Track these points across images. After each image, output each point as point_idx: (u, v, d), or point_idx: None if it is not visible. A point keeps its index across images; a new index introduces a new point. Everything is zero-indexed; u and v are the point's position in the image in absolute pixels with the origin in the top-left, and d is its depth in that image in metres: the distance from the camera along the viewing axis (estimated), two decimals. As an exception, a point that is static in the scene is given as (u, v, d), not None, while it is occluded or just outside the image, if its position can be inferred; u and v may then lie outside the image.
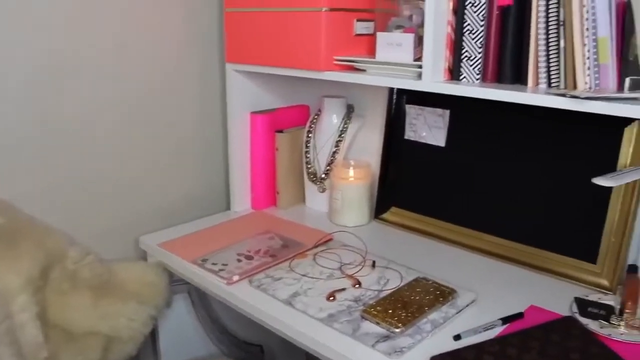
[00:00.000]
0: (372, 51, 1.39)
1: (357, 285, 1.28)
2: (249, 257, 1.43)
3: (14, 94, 1.38)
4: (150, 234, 1.61)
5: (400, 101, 1.63)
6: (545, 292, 1.29)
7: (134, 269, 1.51)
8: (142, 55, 1.59)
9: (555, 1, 1.12)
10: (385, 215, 1.68)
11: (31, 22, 1.37)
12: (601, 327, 1.13)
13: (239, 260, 1.41)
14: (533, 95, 1.08)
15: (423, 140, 1.59)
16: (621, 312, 1.17)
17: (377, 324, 1.13)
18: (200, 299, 1.69)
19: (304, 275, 1.33)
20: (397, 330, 1.10)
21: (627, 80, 1.08)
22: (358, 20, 1.42)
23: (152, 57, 1.61)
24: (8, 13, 1.33)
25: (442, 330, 1.13)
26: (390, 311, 1.15)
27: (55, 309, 1.33)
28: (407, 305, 1.18)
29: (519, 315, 1.18)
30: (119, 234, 1.63)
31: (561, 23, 1.12)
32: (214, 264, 1.40)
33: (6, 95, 1.36)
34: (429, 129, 1.57)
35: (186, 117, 1.73)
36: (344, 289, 1.26)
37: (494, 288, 1.30)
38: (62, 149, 1.48)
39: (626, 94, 1.04)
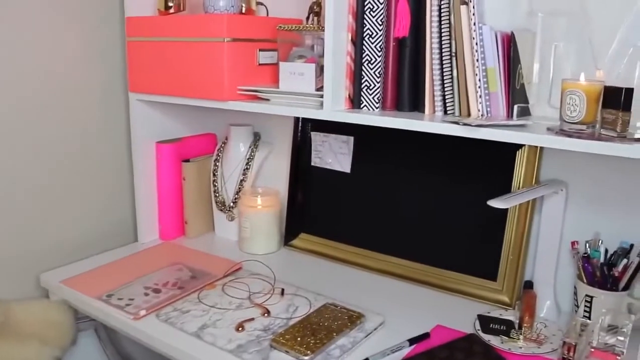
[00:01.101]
0: (276, 80, 1.41)
1: (266, 314, 1.28)
2: (157, 291, 1.40)
3: None
4: (53, 271, 1.54)
5: (305, 128, 1.66)
6: (451, 311, 1.33)
7: (35, 309, 1.44)
8: (43, 85, 1.53)
9: (447, 34, 1.18)
10: (294, 242, 1.69)
11: None
12: (502, 342, 1.18)
13: (146, 294, 1.38)
14: (429, 123, 1.12)
15: (329, 167, 1.62)
16: (520, 326, 1.23)
17: (287, 352, 1.13)
18: (109, 335, 1.63)
19: (212, 307, 1.32)
20: (306, 357, 1.10)
21: (516, 108, 1.15)
22: (261, 50, 1.44)
23: (53, 87, 1.56)
24: None
25: (350, 355, 1.14)
26: (299, 339, 1.16)
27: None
28: (315, 332, 1.19)
29: (425, 336, 1.21)
30: (18, 272, 1.55)
31: (453, 54, 1.17)
32: (119, 299, 1.36)
33: None
34: (334, 155, 1.60)
35: (90, 147, 1.68)
36: (253, 319, 1.26)
37: (401, 310, 1.33)
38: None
39: (514, 120, 1.10)
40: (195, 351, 1.16)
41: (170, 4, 1.54)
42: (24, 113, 1.51)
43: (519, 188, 1.32)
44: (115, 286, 1.42)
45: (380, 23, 1.22)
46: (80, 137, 1.65)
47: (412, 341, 1.19)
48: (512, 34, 1.14)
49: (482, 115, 1.16)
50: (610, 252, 1.23)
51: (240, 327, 1.22)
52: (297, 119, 1.66)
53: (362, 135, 1.56)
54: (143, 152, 1.69)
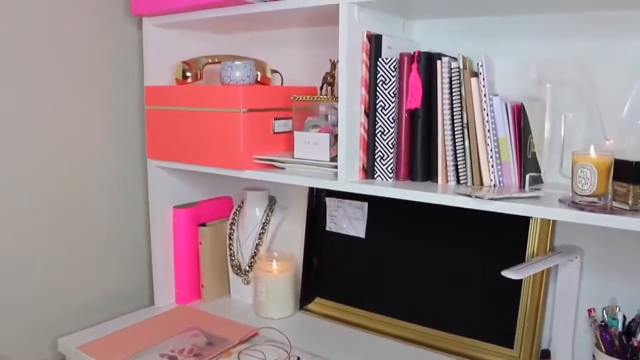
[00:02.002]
0: (290, 146, 1.44)
1: (282, 385, 1.28)
2: (173, 358, 1.40)
3: None
4: (69, 336, 1.55)
5: (320, 193, 1.68)
6: (467, 379, 1.32)
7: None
8: (63, 151, 1.58)
9: (458, 105, 1.20)
10: (310, 306, 1.69)
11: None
12: (520, 414, 1.16)
13: (162, 362, 1.38)
14: (441, 195, 1.14)
15: (344, 232, 1.63)
16: (538, 398, 1.21)
17: None
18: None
19: (228, 376, 1.32)
20: None
21: (528, 177, 1.16)
22: (276, 118, 1.47)
23: (74, 154, 1.61)
24: None
25: None
26: (315, 412, 1.15)
27: None
28: (332, 404, 1.18)
29: (442, 407, 1.20)
30: (36, 336, 1.57)
31: (465, 125, 1.20)
32: (136, 367, 1.36)
33: None
34: (349, 220, 1.62)
35: (109, 212, 1.71)
36: (269, 390, 1.26)
37: (418, 378, 1.33)
38: (-26, 253, 1.43)
39: (527, 192, 1.11)
40: (210, 423, 1.16)
41: (188, 74, 1.59)
42: (43, 180, 1.55)
43: (533, 255, 1.32)
44: (132, 353, 1.43)
45: (393, 95, 1.25)
46: (98, 201, 1.68)
47: (429, 412, 1.18)
48: (522, 105, 1.17)
49: (494, 185, 1.17)
50: (629, 319, 1.22)
51: (256, 398, 1.22)
52: (311, 184, 1.69)
53: (377, 202, 1.57)
54: (160, 216, 1.72)
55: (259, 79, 1.57)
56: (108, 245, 1.73)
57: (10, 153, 1.47)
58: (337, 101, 1.26)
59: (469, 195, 1.09)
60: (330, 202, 1.66)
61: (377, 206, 1.57)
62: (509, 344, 1.37)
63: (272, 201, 1.76)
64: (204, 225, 1.75)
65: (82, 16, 1.59)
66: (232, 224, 1.77)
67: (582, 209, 1.00)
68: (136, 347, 1.46)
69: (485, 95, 1.16)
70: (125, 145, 1.74)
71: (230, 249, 1.76)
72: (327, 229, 1.67)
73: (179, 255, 1.75)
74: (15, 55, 1.46)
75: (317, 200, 1.68)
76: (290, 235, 1.78)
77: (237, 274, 1.75)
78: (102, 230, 1.71)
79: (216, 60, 1.63)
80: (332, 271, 1.67)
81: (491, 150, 1.17)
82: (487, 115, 1.16)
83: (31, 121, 1.51)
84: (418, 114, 1.24)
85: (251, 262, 1.71)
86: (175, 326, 1.59)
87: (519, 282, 1.35)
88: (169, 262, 1.76)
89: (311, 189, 1.69)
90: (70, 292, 1.65)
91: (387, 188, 1.21)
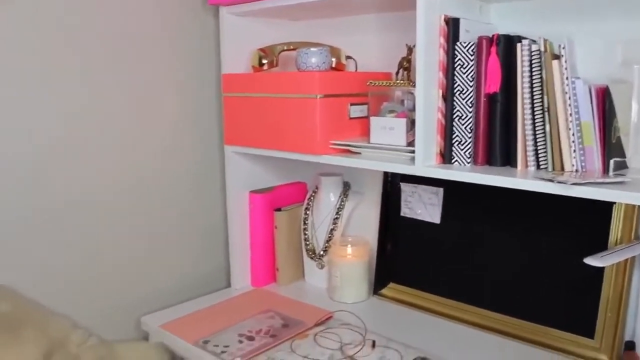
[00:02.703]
0: (366, 132, 1.44)
1: (358, 367, 1.29)
2: (250, 338, 1.44)
3: (15, 178, 1.42)
4: (152, 314, 1.62)
5: (395, 179, 1.68)
6: (545, 368, 1.30)
7: (137, 350, 1.50)
8: (144, 138, 1.65)
9: (539, 89, 1.17)
10: (383, 291, 1.70)
11: (38, 109, 1.43)
12: (602, 404, 1.14)
13: (240, 342, 1.42)
14: (522, 180, 1.12)
15: (419, 217, 1.63)
16: (621, 388, 1.18)
17: (379, 407, 1.13)
18: (202, 379, 1.68)
19: (305, 357, 1.34)
20: (399, 414, 1.11)
21: (612, 162, 1.13)
22: (352, 104, 1.48)
23: (153, 140, 1.67)
24: (18, 96, 1.39)
25: (443, 412, 1.14)
26: (391, 394, 1.16)
27: (59, 396, 1.33)
28: (408, 387, 1.19)
29: (520, 394, 1.19)
30: (121, 315, 1.65)
31: (546, 109, 1.17)
32: (215, 345, 1.40)
33: (7, 179, 1.41)
34: (424, 206, 1.61)
35: (187, 197, 1.77)
36: (345, 371, 1.28)
37: (494, 365, 1.31)
38: (62, 232, 1.51)
39: (611, 177, 1.08)
40: (288, 402, 1.18)
41: (264, 61, 1.62)
42: (125, 166, 1.61)
43: (616, 243, 1.28)
44: (211, 332, 1.47)
45: (471, 79, 1.23)
46: (178, 187, 1.74)
47: (506, 399, 1.17)
48: (607, 88, 1.13)
49: (576, 170, 1.14)
50: None
51: (332, 379, 1.24)
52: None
53: (453, 187, 1.56)
54: (237, 201, 1.76)
55: (333, 65, 1.58)
56: (187, 229, 1.79)
57: (96, 142, 1.55)
58: (414, 86, 1.26)
59: (551, 180, 1.07)
60: (405, 187, 1.65)
61: (453, 192, 1.56)
62: (590, 334, 1.33)
63: (346, 186, 1.77)
64: (279, 210, 1.79)
65: (161, 6, 1.65)
66: (306, 209, 1.79)
67: (671, 195, 0.96)
68: (215, 326, 1.51)
69: (567, 78, 1.13)
70: (203, 132, 1.79)
71: (305, 234, 1.78)
72: (401, 214, 1.67)
73: (255, 239, 1.79)
74: (96, 47, 1.53)
75: (391, 185, 1.68)
76: (364, 220, 1.79)
77: (311, 258, 1.77)
78: (182, 216, 1.77)
79: (292, 47, 1.65)
80: (406, 257, 1.67)
81: (573, 134, 1.14)
82: (569, 98, 1.13)
83: (112, 111, 1.57)
84: (497, 98, 1.22)
85: (325, 247, 1.73)
86: (251, 308, 1.63)
87: (601, 270, 1.31)
88: (245, 246, 1.80)
89: (385, 175, 1.69)
90: (152, 274, 1.72)
91: (465, 173, 1.20)
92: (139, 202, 1.66)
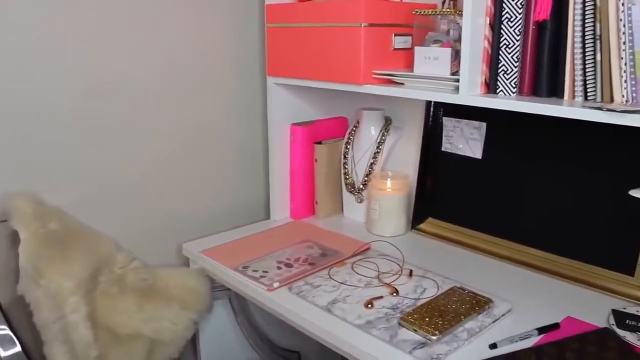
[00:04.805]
0: (409, 65, 1.43)
1: (394, 294, 1.31)
2: (289, 265, 1.46)
3: (64, 109, 1.45)
4: (193, 241, 1.66)
5: (437, 114, 1.66)
6: (582, 303, 1.29)
7: (177, 275, 1.55)
8: (187, 69, 1.66)
9: (591, 16, 1.13)
10: (422, 226, 1.70)
11: (83, 43, 1.45)
12: (639, 340, 1.13)
13: (279, 268, 1.45)
14: (569, 108, 1.09)
15: (460, 152, 1.61)
16: (659, 325, 1.17)
17: (415, 331, 1.15)
18: (241, 306, 1.73)
19: (342, 283, 1.36)
20: (434, 337, 1.12)
21: (665, 93, 1.09)
22: (396, 34, 1.46)
23: (196, 71, 1.68)
24: (69, 29, 1.41)
25: (478, 338, 1.15)
26: (427, 319, 1.18)
27: (104, 311, 1.39)
28: (443, 314, 1.20)
29: (555, 326, 1.19)
30: (163, 241, 1.69)
31: (597, 37, 1.13)
32: (254, 270, 1.44)
33: (57, 110, 1.44)
34: (465, 141, 1.59)
35: (229, 129, 1.79)
36: (381, 297, 1.29)
37: (530, 299, 1.31)
38: (109, 158, 1.55)
39: (663, 107, 1.05)
40: (325, 324, 1.21)
41: (309, -9, 1.60)
42: (170, 95, 1.64)
43: (664, 179, 1.25)
44: (250, 259, 1.51)
45: (520, 6, 1.20)
46: (220, 119, 1.76)
47: (540, 330, 1.17)
48: (665, 15, 1.09)
49: (626, 101, 1.11)
50: None
51: (369, 304, 1.26)
52: (428, 104, 1.67)
53: (496, 122, 1.54)
54: (278, 133, 1.76)
55: (379, -5, 1.55)
56: (228, 160, 1.81)
57: (145, 76, 1.56)
58: (461, 15, 1.23)
59: (600, 109, 1.04)
60: (447, 122, 1.64)
61: (496, 127, 1.54)
62: (630, 271, 1.32)
63: (387, 121, 1.76)
64: (320, 143, 1.79)
65: None
66: (347, 143, 1.79)
67: None
68: (254, 253, 1.54)
69: (622, 4, 1.09)
70: (246, 63, 1.79)
71: (345, 168, 1.79)
72: (442, 149, 1.65)
73: (295, 172, 1.81)
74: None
75: (433, 120, 1.67)
76: (405, 155, 1.78)
77: (350, 192, 1.78)
78: (224, 147, 1.79)
79: (337, -23, 1.62)
80: (446, 192, 1.66)
81: (625, 64, 1.10)
82: (624, 26, 1.09)
83: (158, 44, 1.58)
84: (546, 25, 1.19)
85: (365, 181, 1.74)
86: (290, 238, 1.65)
87: (646, 207, 1.29)
88: (285, 179, 1.82)
89: (427, 109, 1.67)
90: (194, 204, 1.75)
91: (510, 101, 1.18)
92: (184, 133, 1.68)
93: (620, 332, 1.16)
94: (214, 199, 1.80)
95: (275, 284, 1.36)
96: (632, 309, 1.25)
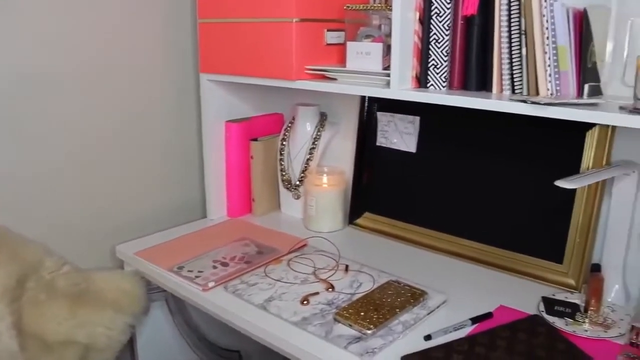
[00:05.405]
0: (342, 60, 1.43)
1: (330, 289, 1.31)
2: (225, 264, 1.44)
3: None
4: (127, 243, 1.62)
5: (371, 109, 1.67)
6: (514, 292, 1.33)
7: (111, 278, 1.51)
8: (118, 67, 1.61)
9: (517, 11, 1.16)
10: (359, 221, 1.71)
11: (14, 38, 1.39)
12: (566, 325, 1.17)
13: (215, 267, 1.43)
14: (497, 101, 1.11)
15: (395, 147, 1.63)
16: (586, 310, 1.21)
17: (350, 326, 1.15)
18: (178, 306, 1.70)
19: (278, 281, 1.36)
20: (369, 331, 1.13)
21: (586, 87, 1.13)
22: (328, 30, 1.45)
23: (128, 69, 1.63)
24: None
25: (413, 330, 1.16)
26: (362, 313, 1.18)
27: (32, 319, 1.34)
28: (379, 308, 1.21)
29: (488, 315, 1.21)
30: (96, 244, 1.64)
31: (523, 32, 1.16)
32: (189, 271, 1.41)
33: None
34: (400, 135, 1.61)
35: (162, 127, 1.75)
36: (317, 293, 1.29)
37: (465, 289, 1.34)
38: (36, 160, 1.49)
39: (585, 99, 1.08)
40: (261, 322, 1.20)
41: (241, -14, 1.58)
42: (100, 95, 1.58)
43: (588, 169, 1.29)
44: (186, 259, 1.48)
45: (449, 1, 1.21)
46: (152, 116, 1.72)
47: (474, 320, 1.19)
48: (585, 10, 1.12)
49: (551, 94, 1.14)
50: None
51: (305, 300, 1.26)
52: (363, 99, 1.68)
53: (428, 116, 1.56)
54: (213, 131, 1.74)
55: (311, -9, 1.54)
56: (163, 158, 1.77)
57: (68, 70, 1.51)
58: (391, 10, 1.24)
59: (525, 101, 1.06)
60: (381, 116, 1.65)
61: (429, 121, 1.56)
62: (559, 259, 1.36)
63: (323, 117, 1.76)
64: (255, 140, 1.77)
65: None
66: (283, 139, 1.78)
67: (643, 115, 0.97)
68: (189, 253, 1.51)
69: (545, 0, 1.12)
70: (178, 60, 1.75)
71: (281, 164, 1.78)
72: (377, 144, 1.66)
73: (231, 170, 1.78)
74: (70, -36, 1.47)
75: (368, 115, 1.67)
76: (340, 150, 1.79)
77: (287, 188, 1.77)
78: (158, 145, 1.75)
79: (269, -28, 1.61)
80: (382, 186, 1.67)
81: (549, 58, 1.13)
82: (547, 21, 1.12)
83: (84, 39, 1.53)
84: (474, 20, 1.21)
85: (301, 177, 1.73)
86: (227, 237, 1.63)
87: (572, 197, 1.33)
88: (221, 176, 1.79)
89: (362, 104, 1.68)
90: (127, 204, 1.71)
91: (439, 95, 1.19)
92: (114, 131, 1.63)
93: (550, 318, 1.19)
94: (149, 199, 1.76)
95: (211, 284, 1.34)
96: (561, 296, 1.29)
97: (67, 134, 1.54)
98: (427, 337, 1.13)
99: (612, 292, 1.27)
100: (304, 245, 1.56)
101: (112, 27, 1.58)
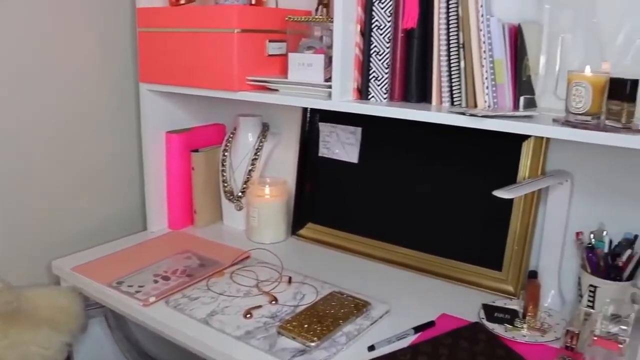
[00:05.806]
0: (284, 71, 1.42)
1: (273, 302, 1.30)
2: (166, 278, 1.42)
3: None
4: (64, 258, 1.57)
5: (314, 119, 1.67)
6: (456, 300, 1.35)
7: (46, 295, 1.46)
8: (52, 77, 1.56)
9: (455, 26, 1.19)
10: (301, 232, 1.71)
11: None
12: (506, 331, 1.20)
13: (156, 282, 1.40)
14: (436, 113, 1.14)
15: (337, 157, 1.63)
16: (524, 316, 1.24)
17: (293, 338, 1.15)
18: (118, 322, 1.66)
19: (220, 294, 1.34)
20: (313, 344, 1.12)
21: (522, 99, 1.16)
22: (270, 41, 1.45)
23: (62, 78, 1.58)
24: None
25: (356, 342, 1.16)
26: (305, 326, 1.18)
27: (-39, 340, 1.28)
28: (322, 319, 1.20)
29: (431, 324, 1.23)
30: (30, 259, 1.58)
31: (461, 45, 1.19)
32: (129, 286, 1.38)
33: None
34: (342, 146, 1.62)
35: (101, 137, 1.70)
36: (260, 306, 1.28)
37: (407, 299, 1.35)
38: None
39: (520, 112, 1.11)
40: (203, 337, 1.18)
41: (181, -5, 1.56)
42: (34, 104, 1.53)
43: (524, 179, 1.33)
44: (125, 273, 1.45)
45: (389, 14, 1.23)
46: (90, 127, 1.67)
47: (417, 329, 1.20)
48: (520, 26, 1.15)
49: (488, 106, 1.17)
50: (615, 243, 1.24)
51: (248, 314, 1.24)
52: (305, 110, 1.68)
53: (370, 126, 1.57)
54: (153, 142, 1.71)
55: (253, 1, 1.53)
56: (101, 171, 1.73)
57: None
58: (333, 22, 1.25)
59: (463, 114, 1.09)
60: (323, 127, 1.65)
61: (370, 131, 1.57)
62: (498, 266, 1.39)
63: (265, 127, 1.76)
64: (196, 151, 1.75)
65: None
66: (225, 150, 1.77)
67: (575, 127, 1.00)
68: (129, 268, 1.48)
69: (482, 15, 1.14)
70: (117, 69, 1.71)
71: (223, 175, 1.76)
72: (319, 154, 1.67)
73: (172, 181, 1.76)
74: (2, -30, 1.42)
75: (310, 126, 1.68)
76: (283, 161, 1.78)
77: (229, 200, 1.76)
78: (96, 157, 1.70)
79: (210, -19, 1.60)
80: (325, 197, 1.68)
81: (486, 71, 1.16)
82: (484, 36, 1.15)
83: (16, 47, 1.48)
84: (414, 34, 1.23)
85: (244, 188, 1.72)
86: (168, 249, 1.60)
87: (509, 206, 1.36)
88: (161, 188, 1.76)
89: (304, 115, 1.68)
90: (64, 217, 1.65)
91: (380, 107, 1.21)
92: (50, 142, 1.58)
93: (490, 325, 1.22)
94: (87, 211, 1.71)
95: (151, 299, 1.31)
96: (501, 302, 1.32)
97: (1, 145, 1.48)
98: (371, 348, 1.13)
99: (549, 297, 1.31)
100: (247, 257, 1.55)
101: (41, 35, 1.52)
